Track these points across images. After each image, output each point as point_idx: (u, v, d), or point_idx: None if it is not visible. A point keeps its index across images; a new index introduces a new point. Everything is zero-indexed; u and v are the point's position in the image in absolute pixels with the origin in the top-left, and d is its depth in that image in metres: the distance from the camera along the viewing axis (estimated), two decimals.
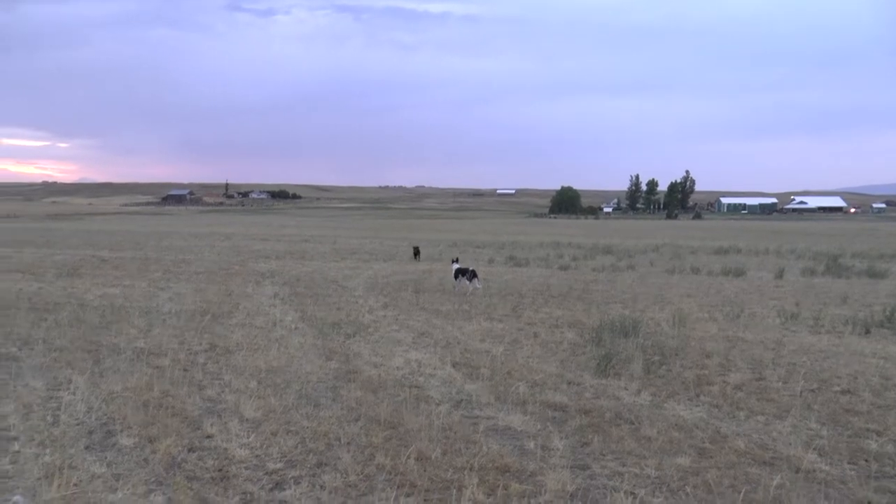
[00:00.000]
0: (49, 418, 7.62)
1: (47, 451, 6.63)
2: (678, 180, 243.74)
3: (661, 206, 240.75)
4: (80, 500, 5.64)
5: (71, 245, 35.86)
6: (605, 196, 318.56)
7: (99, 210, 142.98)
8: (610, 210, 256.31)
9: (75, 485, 5.88)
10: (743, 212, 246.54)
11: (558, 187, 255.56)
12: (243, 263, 27.09)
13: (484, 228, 68.48)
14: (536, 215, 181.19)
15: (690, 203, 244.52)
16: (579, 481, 6.18)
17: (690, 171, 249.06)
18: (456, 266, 19.72)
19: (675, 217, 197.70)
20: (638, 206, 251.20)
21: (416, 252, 31.22)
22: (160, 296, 17.23)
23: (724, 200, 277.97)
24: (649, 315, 15.42)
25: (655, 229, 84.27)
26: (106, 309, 14.81)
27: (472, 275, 18.84)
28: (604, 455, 6.89)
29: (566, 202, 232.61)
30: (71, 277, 20.90)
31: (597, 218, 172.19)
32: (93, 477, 6.09)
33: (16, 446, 6.77)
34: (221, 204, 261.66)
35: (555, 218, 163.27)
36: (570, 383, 9.55)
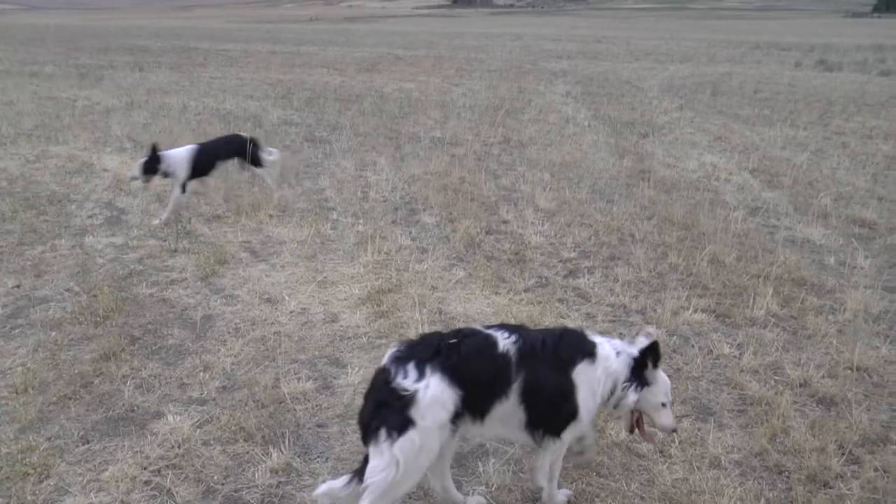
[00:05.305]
0: (359, 194, 8.22)
1: (360, 221, 7.17)
2: None
3: None
4: (391, 265, 6.03)
5: (368, 44, 37.60)
6: None
7: (391, 13, 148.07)
8: None
9: (385, 253, 6.30)
10: None
11: None
12: (534, 63, 26.81)
13: (792, 29, 61.51)
14: (856, 15, 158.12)
15: None
16: (885, 304, 5.48)
17: None
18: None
19: None
20: None
21: None
22: (454, 91, 17.62)
23: None
24: None
25: None
26: (403, 101, 15.46)
27: None
28: None
29: None
30: (369, 73, 22.00)
31: None
32: (400, 247, 6.49)
33: (334, 215, 7.40)
34: (512, 6, 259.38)
35: (879, 18, 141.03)
36: (881, 199, 8.48)
